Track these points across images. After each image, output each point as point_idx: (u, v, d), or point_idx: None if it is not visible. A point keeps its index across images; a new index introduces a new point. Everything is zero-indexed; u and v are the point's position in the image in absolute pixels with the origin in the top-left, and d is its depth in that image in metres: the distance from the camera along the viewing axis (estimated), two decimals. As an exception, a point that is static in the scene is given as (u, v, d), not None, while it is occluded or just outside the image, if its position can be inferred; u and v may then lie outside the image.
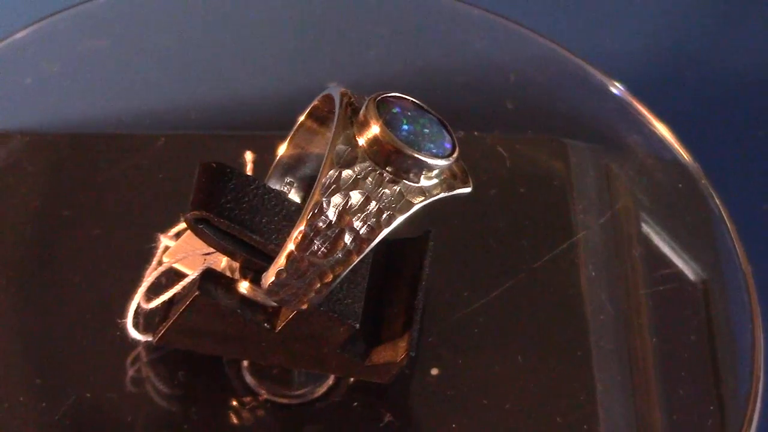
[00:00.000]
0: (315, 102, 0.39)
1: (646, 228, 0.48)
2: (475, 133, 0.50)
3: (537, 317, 0.45)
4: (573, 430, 0.43)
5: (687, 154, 0.49)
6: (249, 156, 0.44)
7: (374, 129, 0.36)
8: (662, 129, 0.49)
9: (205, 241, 0.38)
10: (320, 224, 0.36)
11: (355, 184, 0.36)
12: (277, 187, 0.41)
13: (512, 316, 0.45)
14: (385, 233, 0.36)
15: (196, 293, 0.39)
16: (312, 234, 0.36)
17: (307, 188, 0.41)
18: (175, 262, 0.41)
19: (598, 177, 0.49)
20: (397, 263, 0.42)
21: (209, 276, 0.39)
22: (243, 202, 0.38)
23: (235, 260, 0.39)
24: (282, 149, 0.41)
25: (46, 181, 0.48)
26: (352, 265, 0.36)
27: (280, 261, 0.36)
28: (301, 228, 0.36)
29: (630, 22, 0.66)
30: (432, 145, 0.36)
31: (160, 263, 0.42)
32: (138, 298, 0.41)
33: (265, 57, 0.54)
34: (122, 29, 0.53)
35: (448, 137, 0.37)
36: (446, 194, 0.37)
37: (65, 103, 0.52)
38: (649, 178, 0.50)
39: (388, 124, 0.36)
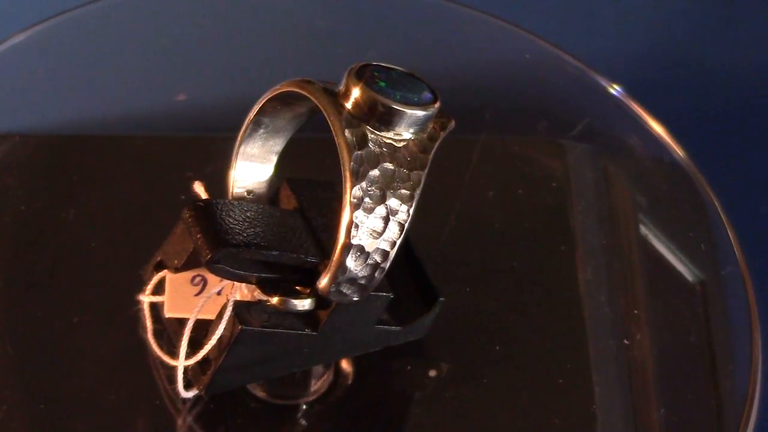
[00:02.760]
0: (261, 104, 0.39)
1: (643, 229, 0.48)
2: (473, 134, 0.50)
3: (535, 318, 0.45)
4: None
5: (684, 154, 0.49)
6: (200, 187, 0.42)
7: (371, 101, 0.36)
8: (660, 130, 0.49)
9: (224, 277, 0.38)
10: (365, 207, 0.36)
11: (377, 158, 0.36)
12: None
13: (510, 318, 0.45)
14: (419, 193, 0.37)
15: (240, 327, 0.38)
16: (361, 219, 0.36)
17: (268, 191, 0.41)
18: (198, 315, 0.40)
19: (595, 178, 0.50)
20: None
21: (241, 308, 0.39)
22: (244, 225, 0.38)
23: (250, 283, 0.39)
24: (234, 163, 0.40)
25: (46, 183, 0.48)
26: (405, 232, 0.37)
27: (335, 258, 0.36)
28: (348, 218, 0.36)
29: (627, 24, 0.66)
30: (421, 97, 0.37)
31: (155, 321, 0.41)
32: (182, 362, 0.40)
33: (263, 58, 0.54)
34: (119, 32, 0.53)
35: (425, 86, 0.38)
36: (444, 134, 0.38)
37: (64, 104, 0.52)
38: (647, 179, 0.50)
39: (379, 92, 0.37)
